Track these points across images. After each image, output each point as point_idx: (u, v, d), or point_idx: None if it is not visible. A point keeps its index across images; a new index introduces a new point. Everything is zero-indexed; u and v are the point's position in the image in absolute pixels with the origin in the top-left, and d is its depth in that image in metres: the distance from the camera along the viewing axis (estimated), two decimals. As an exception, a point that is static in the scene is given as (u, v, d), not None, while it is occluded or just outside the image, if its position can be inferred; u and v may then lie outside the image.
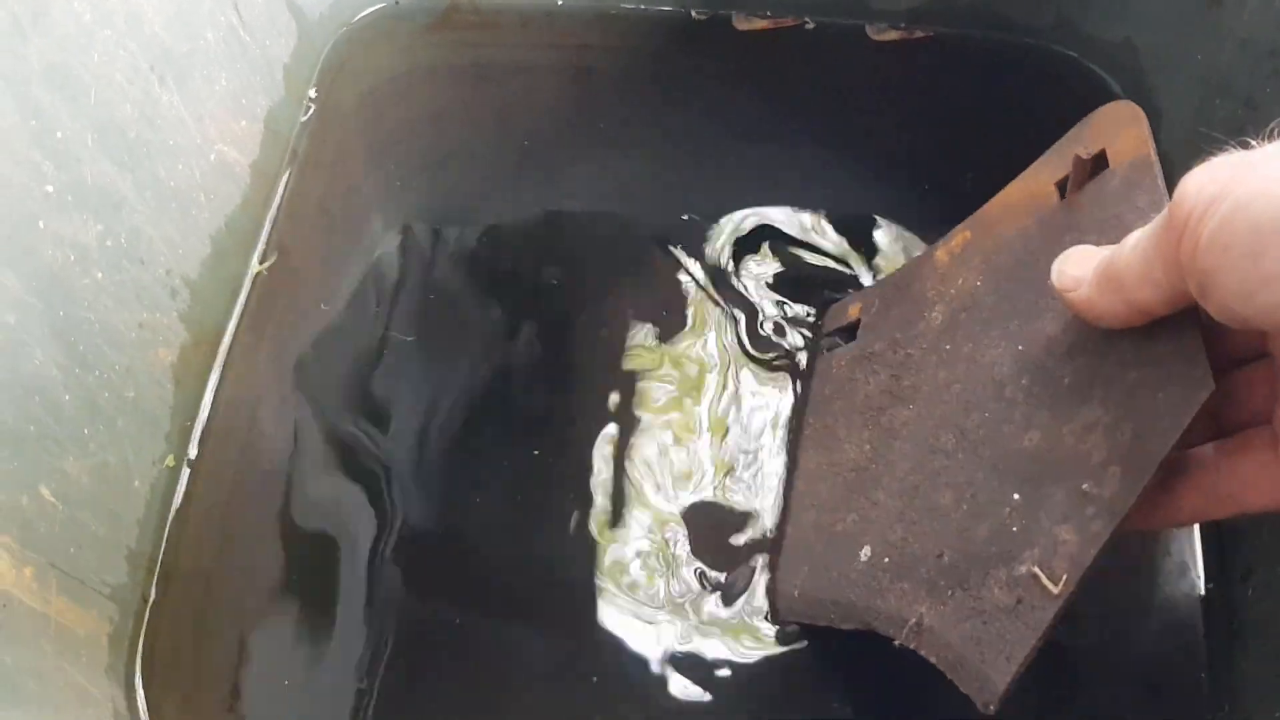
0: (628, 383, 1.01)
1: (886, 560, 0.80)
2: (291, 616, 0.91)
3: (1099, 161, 0.78)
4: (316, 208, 1.11)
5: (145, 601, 0.90)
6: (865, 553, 0.82)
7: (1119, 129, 0.78)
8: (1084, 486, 0.67)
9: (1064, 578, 0.65)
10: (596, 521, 0.93)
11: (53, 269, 0.80)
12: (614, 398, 1.00)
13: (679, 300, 1.05)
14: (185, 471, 0.95)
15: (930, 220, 1.09)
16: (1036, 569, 0.67)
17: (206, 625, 0.91)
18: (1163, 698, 0.87)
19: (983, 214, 0.90)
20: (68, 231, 0.82)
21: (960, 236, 0.90)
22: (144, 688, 0.87)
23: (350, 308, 1.05)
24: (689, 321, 1.04)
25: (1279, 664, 0.82)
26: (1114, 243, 0.66)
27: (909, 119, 1.18)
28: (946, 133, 1.17)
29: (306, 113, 1.15)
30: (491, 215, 1.12)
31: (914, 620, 0.74)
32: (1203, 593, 0.90)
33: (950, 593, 0.73)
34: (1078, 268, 0.67)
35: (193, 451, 0.96)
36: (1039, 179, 0.84)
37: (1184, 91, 1.06)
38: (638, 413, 0.99)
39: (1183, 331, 0.63)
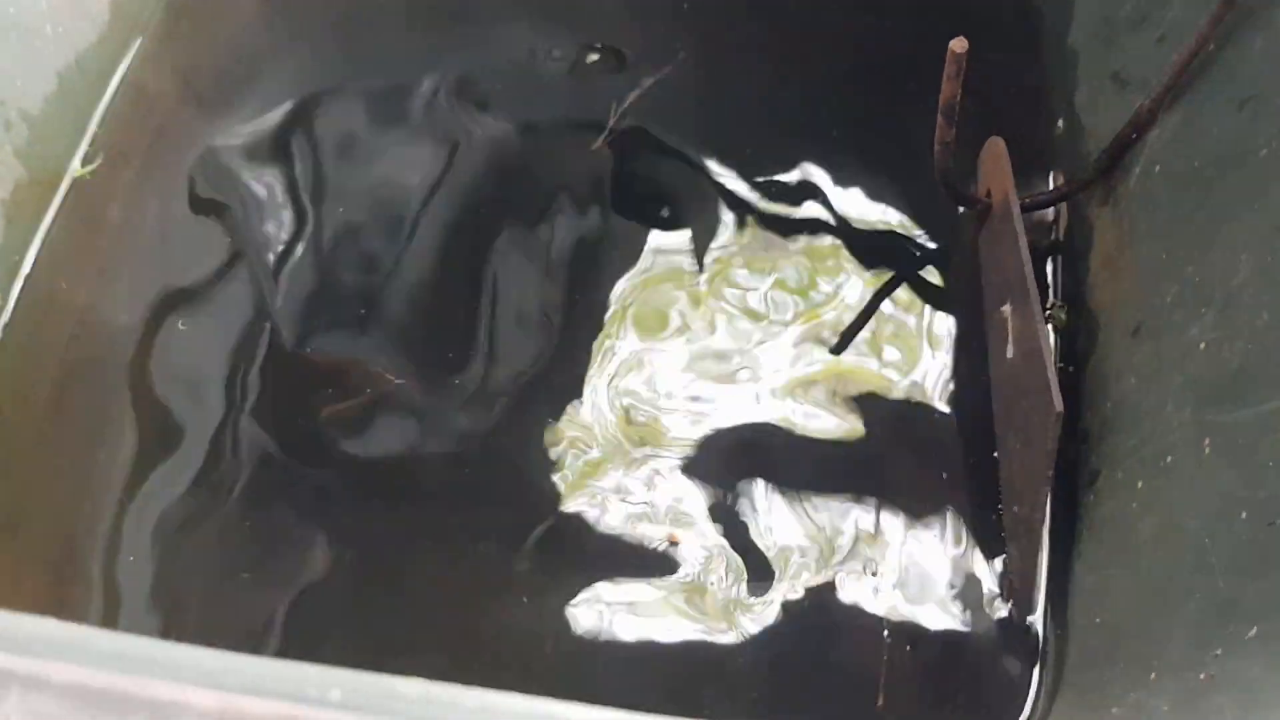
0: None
1: None
2: (132, 476, 0.89)
3: (986, 207, 0.93)
4: (187, 57, 1.06)
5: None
6: None
7: (997, 165, 0.91)
8: (1015, 509, 0.85)
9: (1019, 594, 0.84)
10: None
11: None
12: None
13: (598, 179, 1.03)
14: (8, 311, 0.91)
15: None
16: (1013, 576, 0.85)
17: (30, 476, 0.89)
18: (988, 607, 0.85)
19: None
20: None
21: None
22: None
23: (221, 167, 1.01)
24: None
25: (1105, 571, 0.80)
26: (1009, 276, 0.85)
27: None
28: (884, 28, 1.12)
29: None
30: (397, 81, 1.07)
31: None
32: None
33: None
34: None
35: (20, 292, 0.92)
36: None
37: (1095, -14, 1.01)
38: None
39: (1039, 360, 0.79)
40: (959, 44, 0.78)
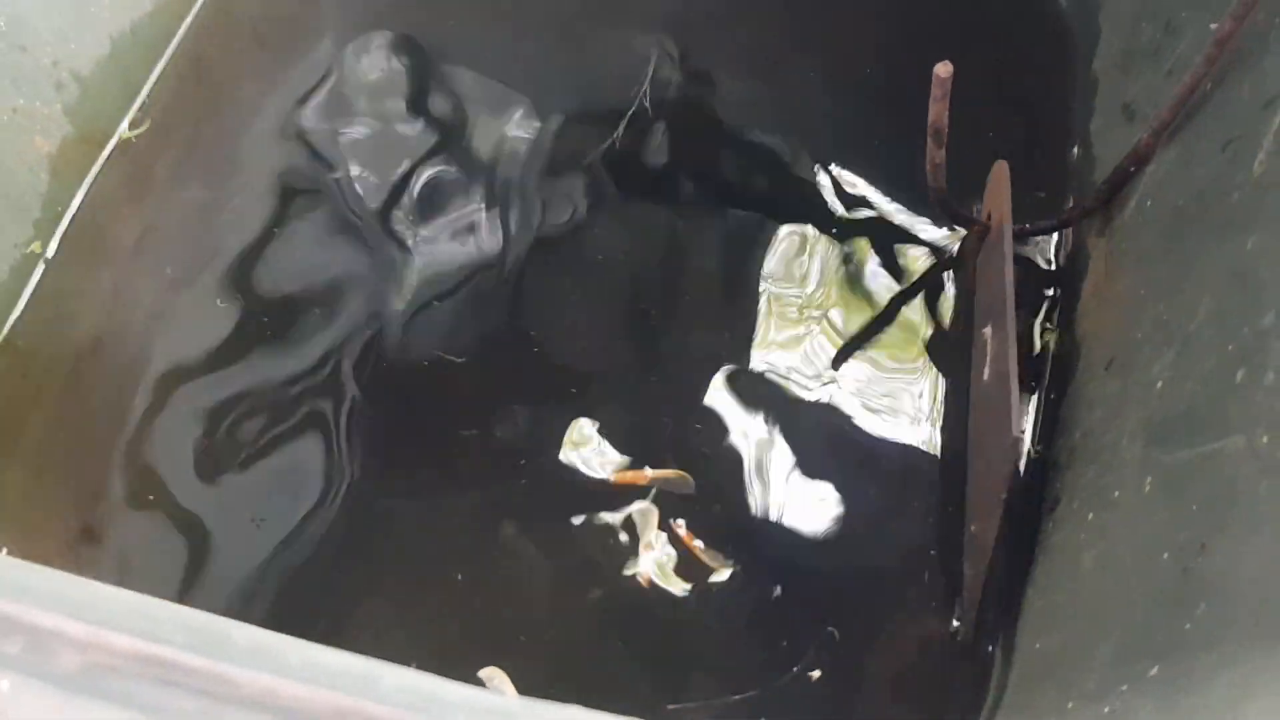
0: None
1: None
2: (168, 424, 0.94)
3: (985, 230, 0.94)
4: (247, 27, 1.11)
5: (-14, 375, 0.93)
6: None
7: (999, 189, 0.91)
8: (973, 528, 0.86)
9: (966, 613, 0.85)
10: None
11: (-90, 36, 0.83)
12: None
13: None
14: (52, 260, 0.98)
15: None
16: (965, 593, 0.86)
17: (62, 415, 0.95)
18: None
19: None
20: (-66, 3, 0.85)
21: None
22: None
23: (275, 131, 1.06)
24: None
25: (1050, 597, 0.80)
26: (994, 299, 0.84)
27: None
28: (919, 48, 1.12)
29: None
30: (476, 45, 1.12)
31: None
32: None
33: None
34: None
35: (62, 243, 0.98)
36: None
37: (1123, 14, 1.01)
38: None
39: (1007, 383, 0.79)
40: (944, 68, 0.79)
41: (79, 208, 1.00)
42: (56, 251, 0.98)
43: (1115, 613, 0.71)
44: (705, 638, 0.87)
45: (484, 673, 0.83)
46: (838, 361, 0.96)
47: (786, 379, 0.95)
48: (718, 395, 0.94)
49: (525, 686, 0.83)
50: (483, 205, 1.02)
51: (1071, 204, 0.98)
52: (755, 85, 1.11)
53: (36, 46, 0.94)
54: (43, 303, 0.97)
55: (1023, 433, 0.83)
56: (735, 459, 0.92)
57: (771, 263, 1.00)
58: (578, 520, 0.90)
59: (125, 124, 1.02)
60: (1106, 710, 0.66)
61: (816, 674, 0.84)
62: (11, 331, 0.95)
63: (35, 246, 0.96)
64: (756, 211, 1.03)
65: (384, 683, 0.42)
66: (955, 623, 0.86)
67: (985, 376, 0.88)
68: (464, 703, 0.41)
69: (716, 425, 0.93)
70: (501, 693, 0.78)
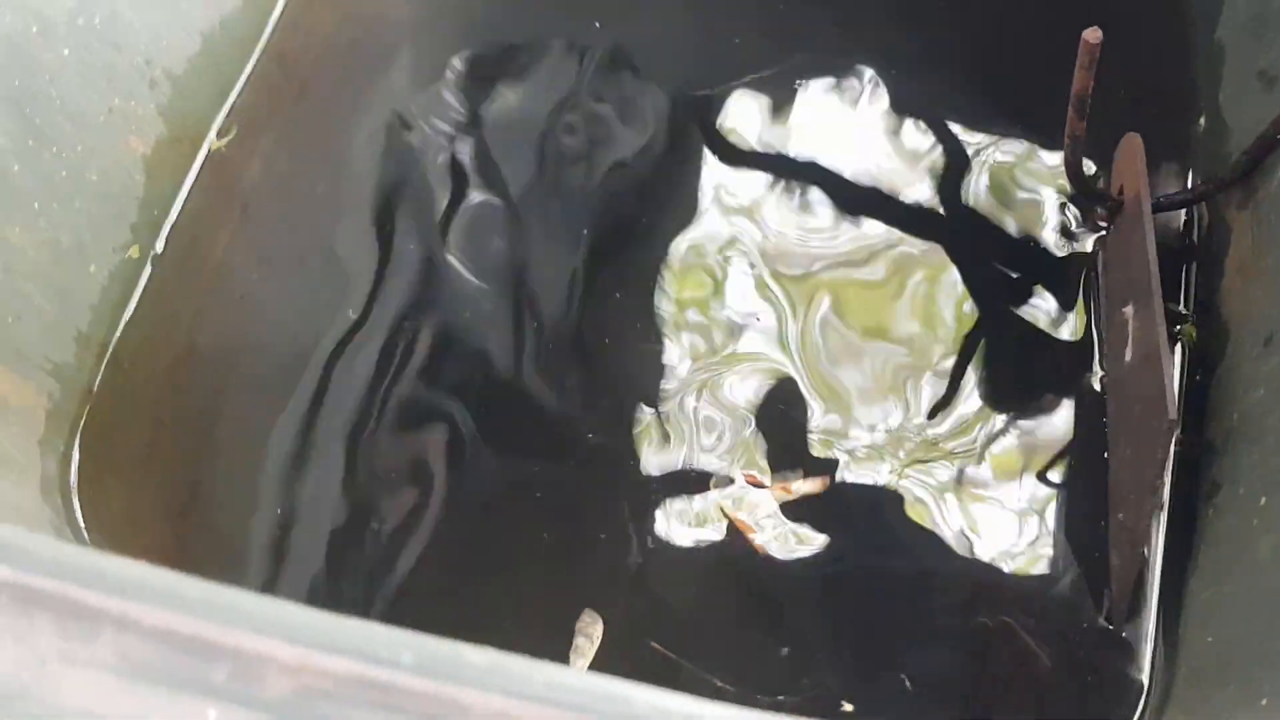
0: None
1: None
2: (259, 429, 0.91)
3: (1117, 204, 0.90)
4: (333, 23, 1.08)
5: (91, 385, 0.90)
6: None
7: (1132, 162, 0.88)
8: (1120, 516, 0.82)
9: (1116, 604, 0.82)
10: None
11: (10, 36, 0.80)
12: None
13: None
14: (149, 265, 0.95)
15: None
16: (1113, 585, 0.82)
17: (161, 421, 0.92)
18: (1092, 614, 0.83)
19: None
20: (32, 1, 0.82)
21: None
22: (80, 465, 0.88)
23: (362, 124, 1.03)
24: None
25: (1219, 588, 0.77)
26: (1133, 276, 0.83)
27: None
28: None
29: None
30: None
31: None
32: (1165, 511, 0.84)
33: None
34: None
35: (159, 246, 0.95)
36: None
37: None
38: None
39: (1157, 365, 0.76)
40: (1093, 34, 0.75)
41: (174, 213, 0.97)
42: (153, 256, 0.95)
43: (1307, 602, 0.67)
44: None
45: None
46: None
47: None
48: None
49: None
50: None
51: (1204, 177, 0.94)
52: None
53: (130, 44, 0.91)
54: (142, 310, 0.94)
55: (1179, 415, 0.79)
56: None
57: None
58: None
59: (214, 132, 0.99)
60: (1314, 706, 0.63)
61: (849, 707, 0.81)
62: (116, 340, 0.92)
63: (134, 251, 0.93)
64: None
65: (635, 703, 0.38)
66: (1102, 619, 0.82)
67: (1128, 358, 0.84)
68: (725, 723, 0.38)
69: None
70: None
